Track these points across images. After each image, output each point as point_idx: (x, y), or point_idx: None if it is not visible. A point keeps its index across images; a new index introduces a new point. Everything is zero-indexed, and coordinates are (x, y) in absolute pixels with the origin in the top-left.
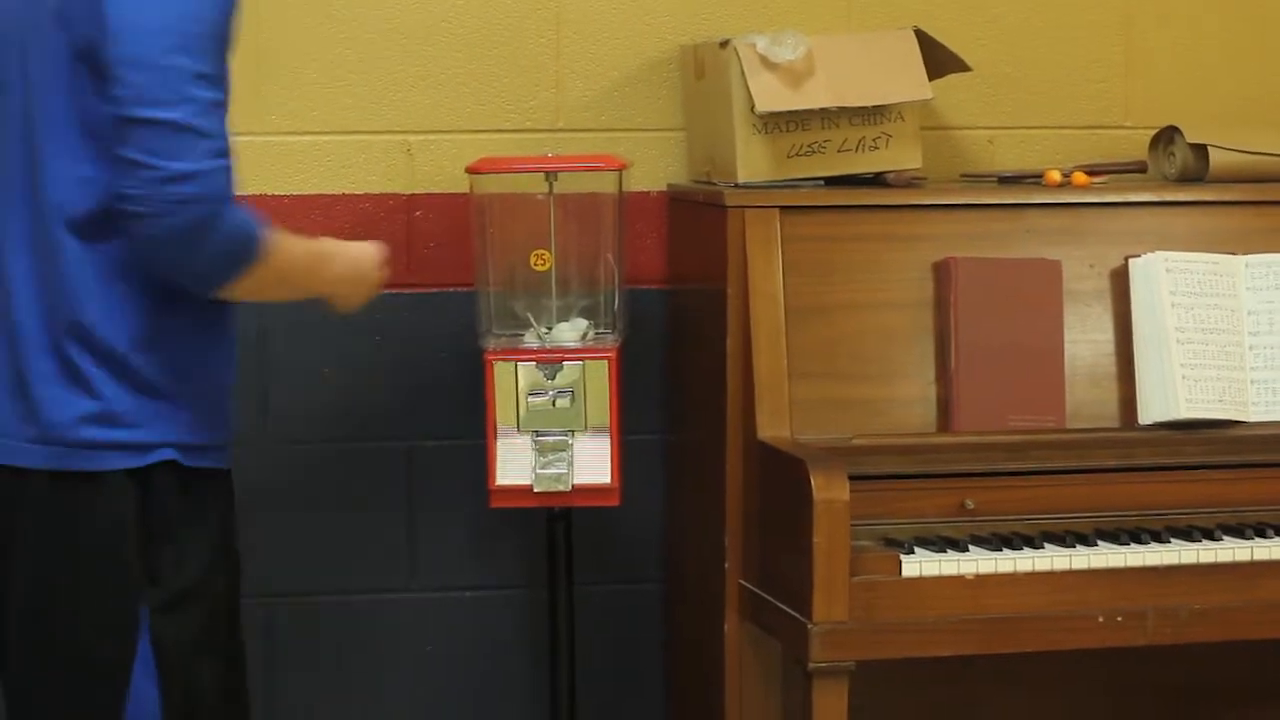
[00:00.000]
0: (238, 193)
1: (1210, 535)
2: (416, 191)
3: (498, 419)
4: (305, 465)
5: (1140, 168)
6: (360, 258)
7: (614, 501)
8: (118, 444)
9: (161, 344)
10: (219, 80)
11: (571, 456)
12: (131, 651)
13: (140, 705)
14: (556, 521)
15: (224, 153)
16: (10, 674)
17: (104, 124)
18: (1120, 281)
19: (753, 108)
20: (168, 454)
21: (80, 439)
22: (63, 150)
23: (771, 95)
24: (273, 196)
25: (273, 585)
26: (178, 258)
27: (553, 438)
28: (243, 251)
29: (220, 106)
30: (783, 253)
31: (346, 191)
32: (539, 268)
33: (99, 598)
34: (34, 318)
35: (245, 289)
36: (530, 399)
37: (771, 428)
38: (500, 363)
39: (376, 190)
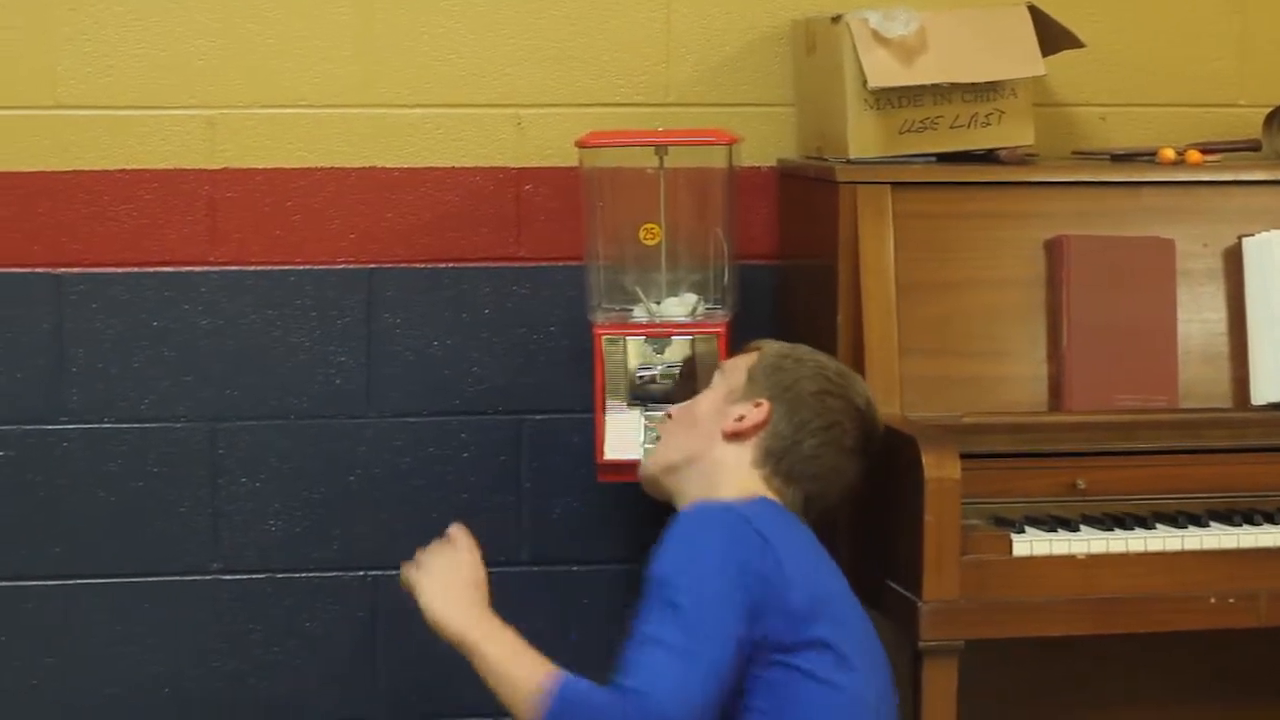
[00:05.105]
0: None
1: None
2: (526, 165)
3: (606, 393)
4: (415, 440)
5: (1254, 146)
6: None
7: None
8: None
9: None
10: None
11: None
12: None
13: None
14: None
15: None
16: None
17: None
18: (1233, 260)
19: (865, 83)
20: None
21: None
22: None
23: (884, 71)
24: (382, 169)
25: (383, 559)
26: None
27: (661, 412)
28: None
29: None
30: (894, 229)
31: (456, 165)
32: (648, 242)
33: None
34: None
35: None
36: (639, 373)
37: (882, 404)
38: (609, 337)
39: (486, 164)
